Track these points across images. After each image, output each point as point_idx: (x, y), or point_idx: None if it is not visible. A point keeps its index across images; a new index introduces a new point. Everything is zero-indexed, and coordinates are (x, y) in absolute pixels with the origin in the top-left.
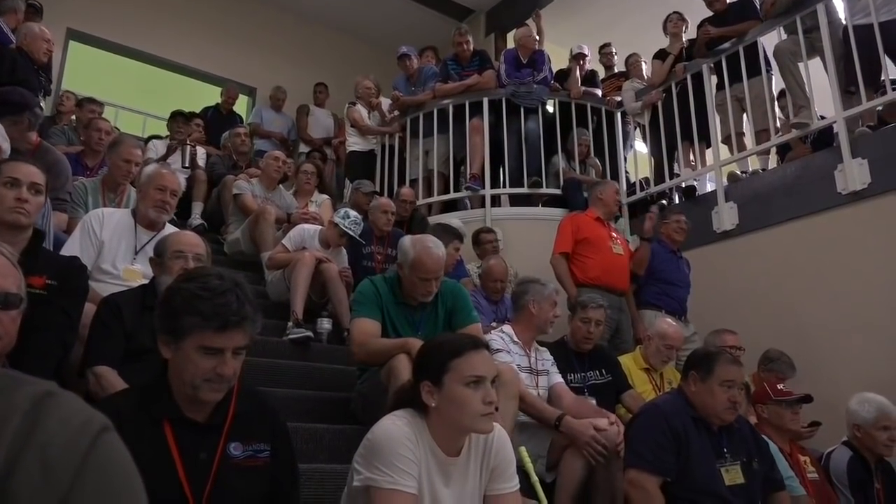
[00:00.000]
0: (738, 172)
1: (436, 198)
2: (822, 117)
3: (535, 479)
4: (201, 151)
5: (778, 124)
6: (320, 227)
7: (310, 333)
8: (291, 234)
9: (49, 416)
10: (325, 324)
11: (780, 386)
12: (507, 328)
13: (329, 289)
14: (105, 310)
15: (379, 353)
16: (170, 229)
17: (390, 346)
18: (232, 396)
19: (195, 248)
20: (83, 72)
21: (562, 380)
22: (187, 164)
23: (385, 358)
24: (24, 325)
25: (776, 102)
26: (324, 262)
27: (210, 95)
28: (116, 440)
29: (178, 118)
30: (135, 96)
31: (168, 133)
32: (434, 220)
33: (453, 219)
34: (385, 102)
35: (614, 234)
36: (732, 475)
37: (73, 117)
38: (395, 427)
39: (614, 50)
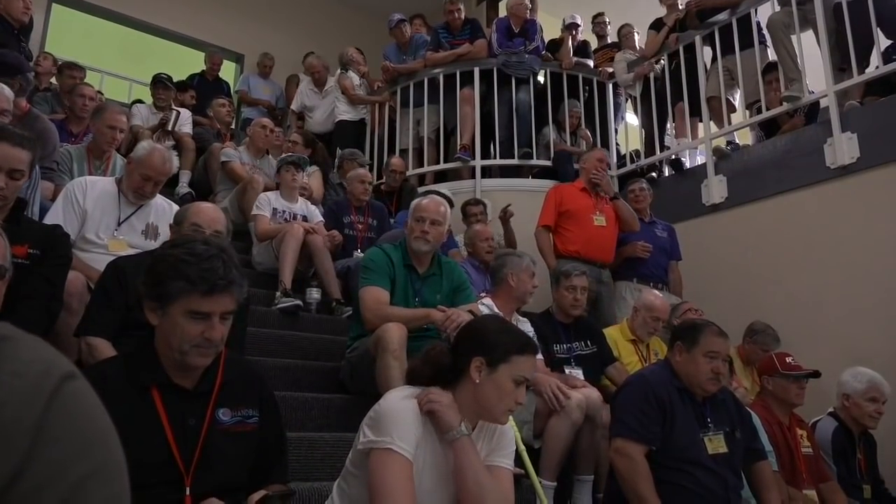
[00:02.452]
0: (724, 147)
1: (426, 168)
2: (812, 91)
3: (521, 447)
4: (186, 115)
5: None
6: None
7: (299, 302)
8: (259, 203)
9: (1, 367)
10: (314, 294)
11: (788, 359)
12: (487, 301)
13: (316, 260)
14: (110, 276)
15: (398, 321)
16: (158, 199)
17: (410, 315)
18: (219, 363)
19: (214, 224)
20: (67, 36)
21: (540, 356)
22: (170, 128)
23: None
24: (8, 294)
25: (765, 76)
26: (310, 234)
27: (198, 62)
28: (82, 389)
29: (159, 85)
30: (120, 62)
31: (152, 99)
32: (424, 190)
33: (442, 189)
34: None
35: (600, 205)
36: (715, 444)
37: (53, 80)
38: (405, 399)
39: (608, 20)
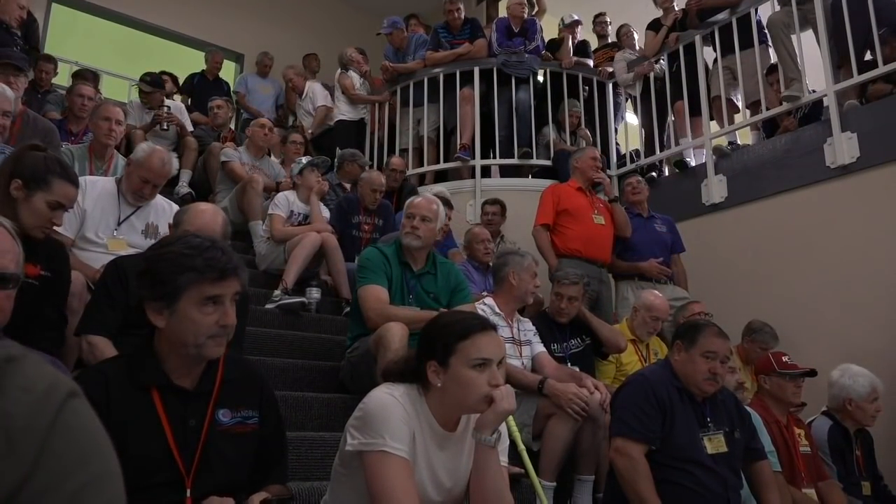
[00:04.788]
0: (724, 146)
1: (426, 167)
2: (813, 91)
3: (521, 447)
4: (177, 106)
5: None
6: (293, 190)
7: (304, 299)
8: (277, 202)
9: (10, 382)
10: (315, 293)
11: (785, 358)
12: (488, 300)
13: (329, 260)
14: (111, 275)
15: (401, 321)
16: (158, 199)
17: (413, 317)
18: (219, 363)
19: (209, 233)
20: (67, 36)
21: (544, 349)
22: (165, 127)
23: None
24: (18, 312)
25: (768, 77)
26: (325, 234)
27: (198, 61)
28: (83, 405)
29: (140, 91)
30: (120, 62)
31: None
32: (423, 190)
33: (438, 187)
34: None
35: (597, 204)
36: (715, 444)
37: (54, 80)
38: (389, 397)
39: (608, 19)
